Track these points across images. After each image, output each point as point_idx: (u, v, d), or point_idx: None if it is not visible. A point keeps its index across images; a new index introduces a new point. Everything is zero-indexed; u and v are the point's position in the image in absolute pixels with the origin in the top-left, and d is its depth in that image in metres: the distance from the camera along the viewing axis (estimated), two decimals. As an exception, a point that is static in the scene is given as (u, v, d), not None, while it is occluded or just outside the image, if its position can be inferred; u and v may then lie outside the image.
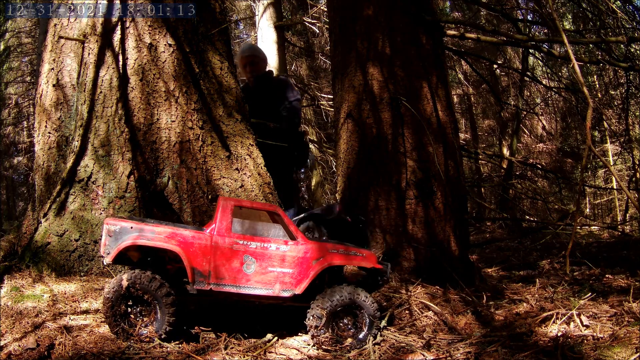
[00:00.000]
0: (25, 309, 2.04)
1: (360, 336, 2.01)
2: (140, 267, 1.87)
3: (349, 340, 1.99)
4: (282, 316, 2.25)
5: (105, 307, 1.80)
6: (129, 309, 1.84)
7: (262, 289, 1.92)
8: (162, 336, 1.85)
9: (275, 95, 4.06)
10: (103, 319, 2.03)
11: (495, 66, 10.94)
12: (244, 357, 1.85)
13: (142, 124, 2.76)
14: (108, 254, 1.83)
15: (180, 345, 1.87)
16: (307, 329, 1.99)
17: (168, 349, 1.83)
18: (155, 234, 1.85)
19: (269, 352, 1.94)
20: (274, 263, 1.93)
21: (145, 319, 1.84)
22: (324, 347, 1.95)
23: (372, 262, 2.10)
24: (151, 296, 1.82)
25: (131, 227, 1.86)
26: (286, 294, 1.94)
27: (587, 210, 14.92)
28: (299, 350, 1.98)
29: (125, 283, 1.78)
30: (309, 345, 2.04)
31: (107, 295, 1.80)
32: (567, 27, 9.04)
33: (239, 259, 1.90)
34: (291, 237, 2.01)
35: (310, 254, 1.97)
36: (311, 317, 1.97)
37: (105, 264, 1.89)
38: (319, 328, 1.94)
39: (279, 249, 1.95)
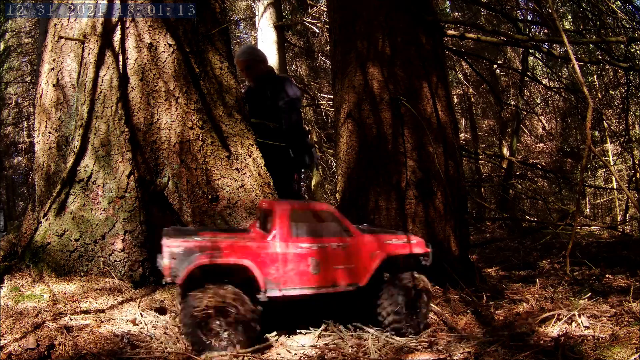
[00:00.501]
0: (25, 309, 2.03)
1: (418, 320, 2.12)
2: (210, 281, 1.85)
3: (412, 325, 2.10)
4: (282, 316, 2.25)
5: (188, 319, 1.80)
6: (210, 321, 1.84)
7: (329, 287, 1.97)
8: (240, 346, 1.85)
9: (275, 94, 4.06)
10: (103, 321, 2.03)
11: (495, 66, 10.94)
12: (244, 357, 1.85)
13: (142, 124, 2.76)
14: (175, 276, 1.82)
15: (180, 345, 1.87)
16: (384, 313, 2.07)
17: (168, 349, 1.84)
18: (222, 251, 1.85)
19: (269, 352, 1.94)
20: (337, 260, 1.98)
21: (225, 332, 1.86)
22: (402, 331, 2.04)
23: (423, 247, 2.19)
24: (234, 310, 1.84)
25: (194, 247, 1.85)
26: (351, 288, 2.01)
27: (587, 210, 14.92)
28: (298, 351, 1.98)
29: (212, 299, 1.80)
30: (306, 345, 2.04)
31: (194, 308, 1.79)
32: (567, 27, 9.04)
33: (304, 261, 1.95)
34: (348, 233, 2.05)
35: (368, 247, 2.04)
36: (394, 302, 2.05)
37: (176, 283, 1.86)
38: (399, 313, 2.04)
39: (339, 247, 2.00)
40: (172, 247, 1.84)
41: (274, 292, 1.92)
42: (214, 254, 1.84)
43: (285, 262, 1.92)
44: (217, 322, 1.83)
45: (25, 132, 14.78)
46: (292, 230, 1.97)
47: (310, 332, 2.11)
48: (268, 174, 3.12)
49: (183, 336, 1.86)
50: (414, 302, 2.12)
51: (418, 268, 2.27)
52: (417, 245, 2.19)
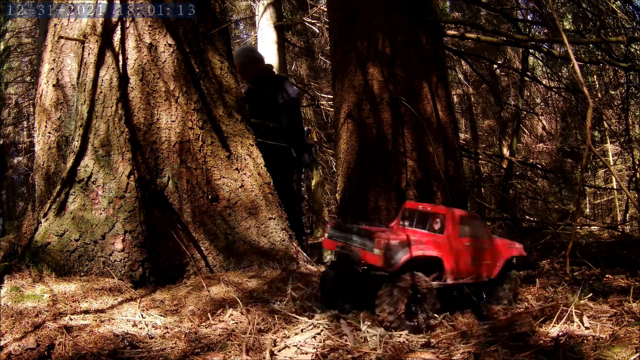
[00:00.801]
0: (25, 309, 2.03)
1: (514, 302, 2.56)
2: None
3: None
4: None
5: (395, 301, 2.08)
6: (411, 302, 2.15)
7: (477, 277, 2.40)
8: (432, 322, 2.16)
9: (275, 93, 4.06)
10: (103, 321, 2.03)
11: (495, 66, 10.95)
12: (245, 357, 1.85)
13: (142, 124, 2.76)
14: (389, 265, 2.10)
15: (180, 345, 1.87)
16: (502, 295, 2.52)
17: (167, 349, 1.84)
18: (424, 245, 2.20)
19: (271, 352, 1.94)
20: (483, 257, 2.44)
21: (420, 312, 2.16)
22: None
23: (522, 251, 2.67)
24: (428, 294, 2.17)
25: (407, 241, 2.17)
26: (486, 279, 2.46)
27: (587, 210, 14.93)
28: (302, 349, 1.98)
29: (418, 285, 2.13)
30: (312, 345, 2.04)
31: (403, 292, 2.09)
32: (567, 27, 9.05)
33: (466, 256, 2.37)
34: (488, 236, 2.50)
35: (499, 248, 2.52)
36: (508, 292, 2.54)
37: (390, 272, 2.10)
38: (509, 297, 2.52)
39: (484, 246, 2.46)
40: (390, 239, 2.11)
41: (449, 280, 2.29)
42: (421, 247, 2.18)
43: (457, 256, 2.32)
44: (415, 304, 2.15)
45: (25, 132, 14.80)
46: (460, 232, 2.36)
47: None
48: (268, 174, 3.12)
49: (384, 313, 2.10)
50: (516, 290, 2.62)
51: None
52: (521, 249, 2.68)
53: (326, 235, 2.43)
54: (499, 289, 2.55)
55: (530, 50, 8.14)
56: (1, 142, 5.53)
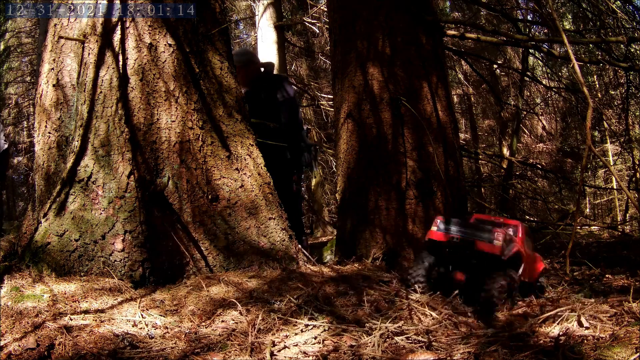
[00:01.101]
0: (25, 309, 2.03)
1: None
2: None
3: None
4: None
5: (499, 288, 2.48)
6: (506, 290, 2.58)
7: (527, 280, 2.82)
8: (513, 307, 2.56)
9: (274, 92, 4.06)
10: (103, 321, 2.03)
11: (495, 66, 10.95)
12: (245, 357, 1.85)
13: (142, 124, 2.76)
14: (504, 254, 2.53)
15: (180, 345, 1.87)
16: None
17: (167, 349, 1.84)
18: (519, 243, 2.68)
19: (271, 352, 1.94)
20: (532, 264, 2.89)
21: (510, 297, 2.60)
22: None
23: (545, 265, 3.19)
24: (516, 285, 2.64)
25: (512, 237, 2.68)
26: (528, 282, 2.86)
27: (587, 210, 14.93)
28: (302, 349, 1.98)
29: (518, 276, 2.64)
30: (313, 345, 2.04)
31: (509, 281, 2.54)
32: (567, 27, 9.05)
33: (530, 262, 2.82)
34: (532, 249, 2.97)
35: (538, 260, 3.02)
36: (539, 294, 2.98)
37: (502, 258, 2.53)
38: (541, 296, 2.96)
39: (533, 256, 2.95)
40: (506, 233, 2.58)
41: (523, 278, 2.72)
42: (520, 244, 2.67)
43: (527, 261, 2.76)
44: (508, 291, 2.57)
45: (25, 132, 14.81)
46: (525, 242, 2.83)
47: None
48: (268, 174, 3.12)
49: (492, 292, 2.47)
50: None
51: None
52: (546, 264, 3.28)
53: (435, 228, 2.79)
54: (532, 291, 3.02)
55: (530, 50, 8.15)
56: (6, 146, 5.53)
